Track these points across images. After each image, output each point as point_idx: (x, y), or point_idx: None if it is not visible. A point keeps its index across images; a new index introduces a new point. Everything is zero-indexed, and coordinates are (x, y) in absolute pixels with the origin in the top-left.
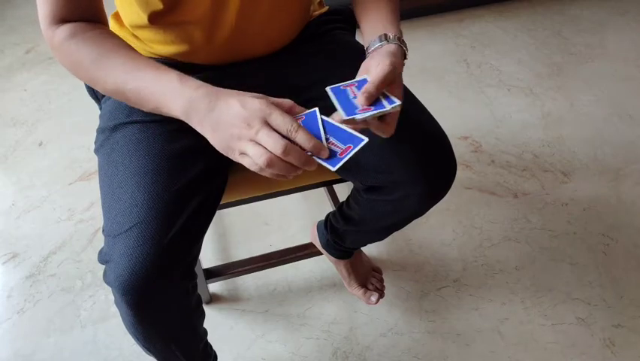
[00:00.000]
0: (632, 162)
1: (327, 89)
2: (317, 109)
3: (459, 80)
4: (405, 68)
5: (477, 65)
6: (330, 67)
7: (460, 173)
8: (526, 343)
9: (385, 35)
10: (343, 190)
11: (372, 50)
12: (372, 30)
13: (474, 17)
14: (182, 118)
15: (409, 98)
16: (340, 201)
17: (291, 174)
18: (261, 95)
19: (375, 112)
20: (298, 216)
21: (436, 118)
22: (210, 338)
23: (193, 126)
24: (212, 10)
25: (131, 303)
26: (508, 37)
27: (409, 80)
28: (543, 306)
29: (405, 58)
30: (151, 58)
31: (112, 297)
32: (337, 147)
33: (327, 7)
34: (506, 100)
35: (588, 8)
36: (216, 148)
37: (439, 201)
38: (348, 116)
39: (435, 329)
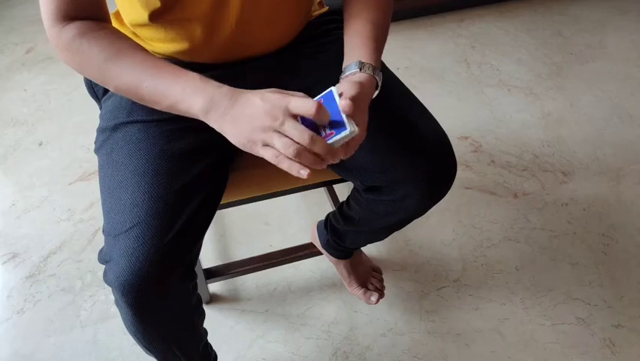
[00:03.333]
0: (632, 162)
1: None
2: (333, 89)
3: (459, 80)
4: (405, 68)
5: (477, 65)
6: (330, 67)
7: (460, 173)
8: (526, 343)
9: (361, 62)
10: (343, 190)
11: (345, 76)
12: (351, 53)
13: (474, 17)
14: (200, 115)
15: (409, 98)
16: (340, 201)
17: (316, 166)
18: (276, 89)
19: (337, 137)
20: (298, 216)
21: (436, 118)
22: (210, 338)
23: (210, 123)
24: (213, 8)
25: (131, 303)
26: (508, 37)
27: (409, 80)
28: (543, 306)
29: (377, 88)
30: None
31: (112, 297)
32: (324, 129)
33: (327, 8)
34: (506, 100)
35: (588, 8)
36: (234, 143)
37: (439, 201)
38: None
39: (435, 329)
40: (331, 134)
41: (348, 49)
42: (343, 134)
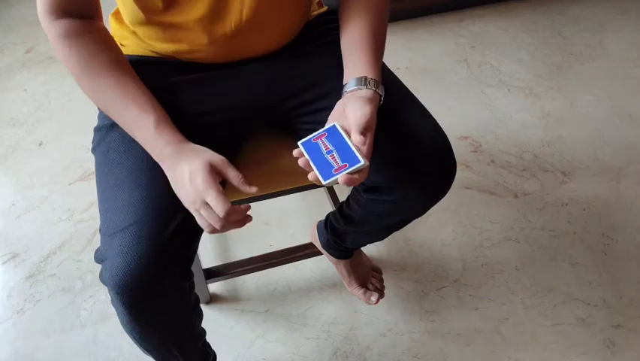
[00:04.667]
0: (632, 162)
1: (299, 143)
2: (336, 123)
3: (459, 80)
4: (405, 68)
5: (477, 65)
6: (329, 67)
7: (460, 173)
8: (526, 343)
9: (365, 79)
10: (343, 190)
11: (350, 92)
12: (354, 68)
13: (474, 17)
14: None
15: (408, 98)
16: (340, 201)
17: (246, 221)
18: (213, 160)
19: (350, 169)
20: (298, 216)
21: (435, 118)
22: (210, 338)
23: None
24: (212, 9)
25: (126, 302)
26: (508, 37)
27: (409, 80)
28: (543, 306)
29: (380, 103)
30: (151, 56)
31: None
32: (336, 162)
33: (327, 8)
34: (506, 100)
35: (588, 8)
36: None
37: (438, 201)
38: (326, 180)
39: (435, 329)
40: (344, 166)
41: (349, 62)
42: (357, 167)
